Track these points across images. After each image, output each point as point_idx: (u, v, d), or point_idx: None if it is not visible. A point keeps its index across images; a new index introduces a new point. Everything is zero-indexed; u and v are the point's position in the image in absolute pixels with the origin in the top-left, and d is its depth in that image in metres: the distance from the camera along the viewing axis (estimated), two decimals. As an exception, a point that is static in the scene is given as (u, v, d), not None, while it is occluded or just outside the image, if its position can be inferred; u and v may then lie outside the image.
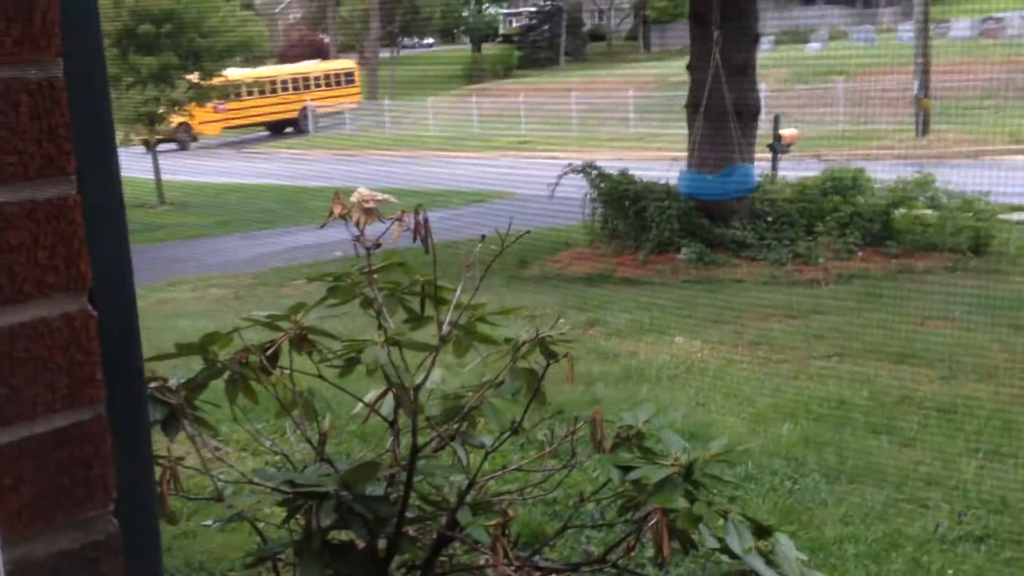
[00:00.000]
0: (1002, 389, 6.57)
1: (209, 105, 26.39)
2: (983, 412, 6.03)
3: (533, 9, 52.96)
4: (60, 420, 0.89)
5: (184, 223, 19.82)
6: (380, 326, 2.72)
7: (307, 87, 36.33)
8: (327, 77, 37.69)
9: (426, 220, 2.73)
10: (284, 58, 42.60)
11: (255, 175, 26.29)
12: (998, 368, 7.06)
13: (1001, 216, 12.52)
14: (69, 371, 0.89)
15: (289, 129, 35.69)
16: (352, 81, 38.62)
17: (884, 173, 13.98)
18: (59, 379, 0.88)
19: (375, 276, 2.76)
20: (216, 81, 23.81)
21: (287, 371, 2.78)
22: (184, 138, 31.02)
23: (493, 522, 2.56)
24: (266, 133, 35.79)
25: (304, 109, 35.52)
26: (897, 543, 4.26)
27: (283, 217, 19.78)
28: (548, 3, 50.66)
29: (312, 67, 37.75)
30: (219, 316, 9.31)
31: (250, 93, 31.63)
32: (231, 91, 28.65)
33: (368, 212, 2.70)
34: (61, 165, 0.88)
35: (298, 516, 2.69)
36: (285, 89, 35.49)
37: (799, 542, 3.42)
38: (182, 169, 25.91)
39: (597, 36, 54.81)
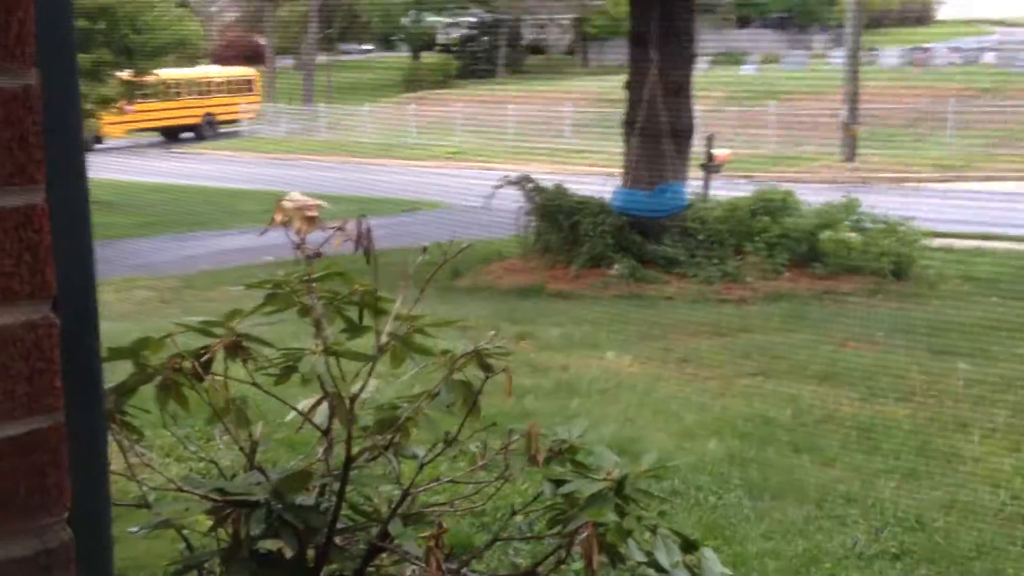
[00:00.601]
0: (919, 411, 6.77)
1: (115, 106, 25.39)
2: (900, 432, 6.20)
3: (473, 20, 53.03)
4: (18, 427, 0.89)
5: (108, 223, 19.41)
6: (317, 335, 2.72)
7: (208, 93, 35.03)
8: (228, 84, 36.30)
9: (369, 230, 2.75)
10: (219, 59, 42.01)
11: (183, 176, 25.90)
12: (915, 390, 7.26)
13: (923, 242, 12.87)
14: (29, 379, 0.89)
15: (189, 134, 34.63)
16: (251, 90, 36.87)
17: (812, 196, 14.28)
18: (19, 386, 0.88)
19: (313, 285, 2.76)
20: (149, 79, 23.42)
21: (220, 378, 2.77)
22: (86, 138, 30.00)
23: (425, 533, 2.57)
24: (162, 139, 34.26)
25: (207, 115, 34.43)
26: (816, 559, 4.37)
27: (212, 219, 19.53)
28: (488, 15, 50.77)
29: (213, 73, 36.32)
30: (144, 319, 9.17)
31: (155, 96, 30.50)
32: (162, 90, 28.14)
33: (310, 220, 2.70)
34: (31, 173, 0.88)
35: (225, 524, 2.68)
36: (190, 94, 34.41)
37: (723, 557, 3.49)
38: (110, 167, 25.44)
39: (536, 49, 55.05)
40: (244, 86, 36.35)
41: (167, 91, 32.06)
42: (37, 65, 0.88)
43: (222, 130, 35.08)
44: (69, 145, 0.94)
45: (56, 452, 0.91)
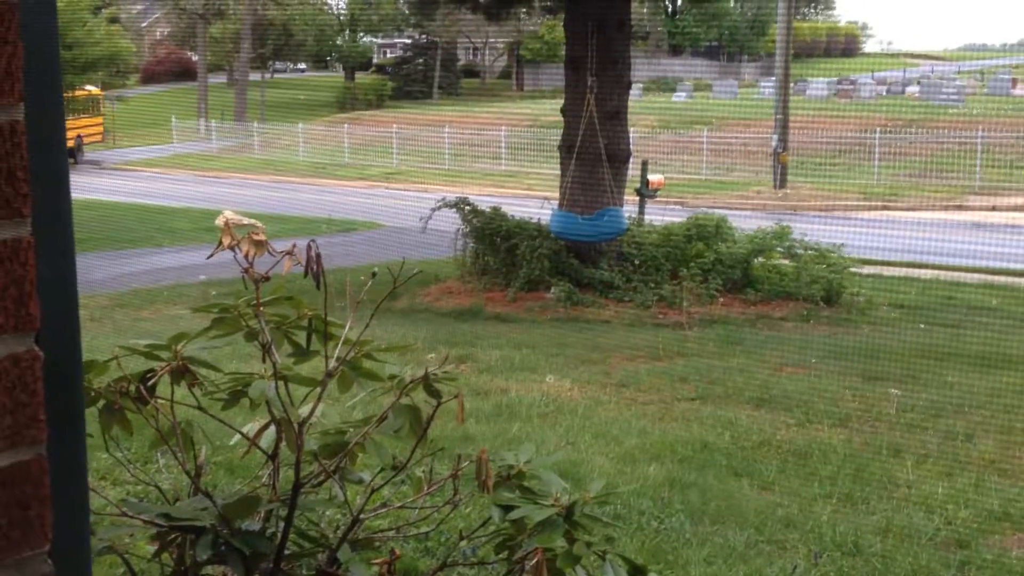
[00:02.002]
0: (854, 436, 6.90)
1: None
2: (836, 457, 6.31)
3: (408, 41, 53.14)
4: (2, 460, 0.88)
5: (36, 239, 19.02)
6: (265, 359, 2.70)
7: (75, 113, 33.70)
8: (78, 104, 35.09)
9: (319, 256, 2.74)
10: (150, 75, 41.47)
11: (112, 192, 25.50)
12: (850, 415, 7.41)
13: (853, 269, 13.15)
14: (13, 411, 0.88)
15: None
16: (98, 111, 34.08)
17: (744, 222, 14.52)
18: (3, 419, 0.87)
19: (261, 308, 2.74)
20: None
21: (164, 401, 2.74)
22: None
23: (378, 560, 2.56)
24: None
25: (78, 137, 32.02)
26: (757, 584, 4.43)
27: (144, 237, 19.25)
28: (423, 37, 50.88)
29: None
30: (77, 338, 8.96)
31: None
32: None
33: (258, 244, 2.69)
34: (17, 207, 0.88)
35: (170, 550, 2.64)
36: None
37: (666, 582, 3.53)
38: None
39: (471, 72, 55.35)
40: (92, 106, 33.08)
41: None
42: (25, 101, 0.88)
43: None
44: (54, 179, 0.94)
45: (39, 484, 0.90)
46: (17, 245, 0.89)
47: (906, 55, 56.49)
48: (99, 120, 34.04)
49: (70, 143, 30.82)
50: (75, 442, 0.97)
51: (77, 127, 30.73)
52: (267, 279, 2.69)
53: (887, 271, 14.55)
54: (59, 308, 0.95)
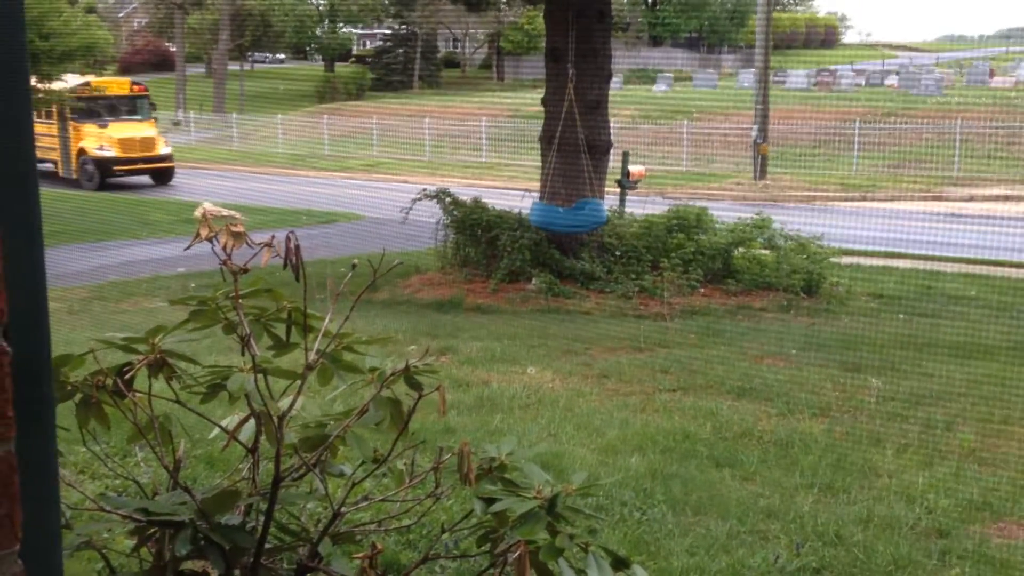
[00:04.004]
0: (835, 426, 6.92)
1: None
2: (817, 447, 6.33)
3: (388, 32, 52.97)
4: (-31, 459, 0.85)
5: (13, 231, 18.86)
6: (244, 352, 2.67)
7: None
8: None
9: (298, 247, 2.71)
10: (127, 66, 41.18)
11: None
12: (830, 405, 7.43)
13: (832, 259, 13.20)
14: (-20, 408, 0.86)
15: None
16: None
17: (724, 213, 14.56)
18: (-31, 416, 0.85)
19: (240, 301, 2.71)
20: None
21: (141, 395, 2.70)
22: None
23: (360, 554, 2.54)
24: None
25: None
26: (740, 574, 4.42)
27: (121, 229, 19.12)
28: (403, 27, 50.75)
29: None
30: (53, 331, 8.88)
31: None
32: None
33: (237, 235, 2.65)
34: (-17, 199, 0.85)
35: (148, 544, 2.61)
36: None
37: (649, 573, 3.51)
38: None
39: (451, 63, 55.27)
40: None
41: None
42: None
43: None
44: (22, 172, 0.91)
45: (8, 483, 0.88)
46: (-17, 237, 0.87)
47: (885, 46, 56.78)
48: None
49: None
50: (45, 439, 0.94)
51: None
52: (246, 271, 2.66)
53: (866, 261, 14.62)
54: (27, 302, 0.92)
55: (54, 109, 25.44)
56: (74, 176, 26.39)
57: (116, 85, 28.66)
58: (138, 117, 27.80)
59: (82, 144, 26.30)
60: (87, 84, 26.51)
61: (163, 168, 26.89)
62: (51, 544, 0.97)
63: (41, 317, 0.94)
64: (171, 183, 26.78)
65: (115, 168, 26.13)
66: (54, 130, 26.34)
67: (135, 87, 28.59)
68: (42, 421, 0.95)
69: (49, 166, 26.29)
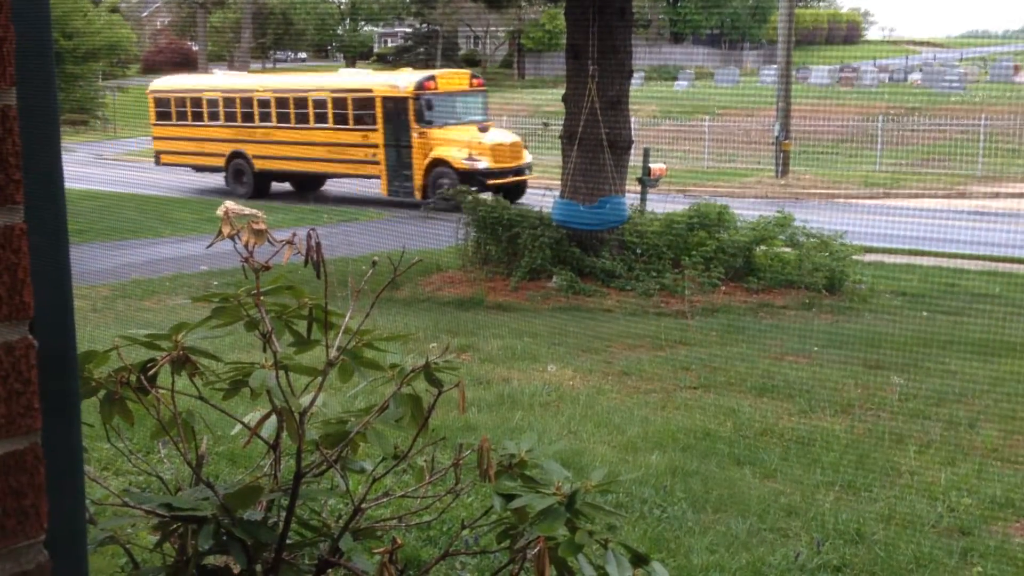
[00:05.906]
0: (856, 424, 6.89)
1: None
2: (839, 445, 6.30)
3: (409, 30, 53.05)
4: (-4, 449, 0.87)
5: (38, 230, 18.97)
6: (265, 348, 2.69)
7: None
8: None
9: (319, 245, 2.73)
10: (150, 65, 41.38)
11: (112, 183, 25.47)
12: (852, 403, 7.40)
13: (854, 257, 13.13)
14: (7, 400, 0.87)
15: None
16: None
17: (746, 211, 14.50)
18: (-3, 408, 0.87)
19: (262, 298, 2.73)
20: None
21: (164, 391, 2.73)
22: None
23: (380, 549, 2.56)
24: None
25: None
26: (760, 572, 4.42)
27: (144, 227, 19.23)
28: (424, 25, 50.79)
29: None
30: (78, 329, 8.96)
31: None
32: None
33: (258, 233, 2.68)
34: (10, 193, 0.87)
35: (171, 540, 2.64)
36: None
37: (668, 570, 3.52)
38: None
39: (472, 61, 55.22)
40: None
41: None
42: (16, 86, 0.87)
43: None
44: (48, 166, 0.93)
45: (34, 473, 0.90)
46: (10, 232, 0.88)
47: (908, 42, 56.34)
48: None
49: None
50: (71, 431, 0.96)
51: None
52: (267, 268, 2.68)
53: (889, 259, 14.53)
54: (53, 296, 0.94)
55: (377, 112, 21.10)
56: (417, 196, 20.47)
57: (456, 79, 23.34)
58: (482, 119, 22.72)
59: (436, 153, 20.84)
60: (432, 78, 21.76)
61: (523, 181, 21.38)
62: (76, 534, 0.98)
63: (67, 312, 0.96)
64: (194, 182, 26.82)
65: (488, 182, 19.30)
66: (376, 138, 21.22)
67: (474, 80, 23.55)
68: (67, 414, 0.96)
69: (350, 185, 21.76)
